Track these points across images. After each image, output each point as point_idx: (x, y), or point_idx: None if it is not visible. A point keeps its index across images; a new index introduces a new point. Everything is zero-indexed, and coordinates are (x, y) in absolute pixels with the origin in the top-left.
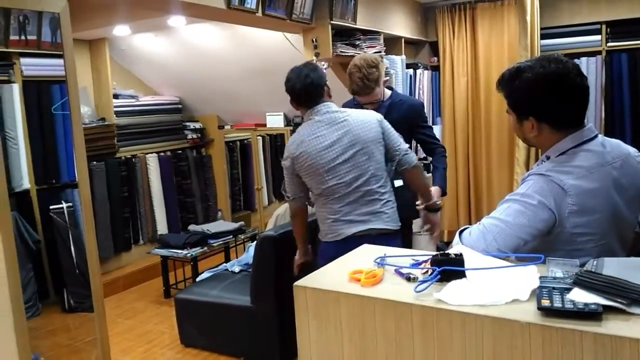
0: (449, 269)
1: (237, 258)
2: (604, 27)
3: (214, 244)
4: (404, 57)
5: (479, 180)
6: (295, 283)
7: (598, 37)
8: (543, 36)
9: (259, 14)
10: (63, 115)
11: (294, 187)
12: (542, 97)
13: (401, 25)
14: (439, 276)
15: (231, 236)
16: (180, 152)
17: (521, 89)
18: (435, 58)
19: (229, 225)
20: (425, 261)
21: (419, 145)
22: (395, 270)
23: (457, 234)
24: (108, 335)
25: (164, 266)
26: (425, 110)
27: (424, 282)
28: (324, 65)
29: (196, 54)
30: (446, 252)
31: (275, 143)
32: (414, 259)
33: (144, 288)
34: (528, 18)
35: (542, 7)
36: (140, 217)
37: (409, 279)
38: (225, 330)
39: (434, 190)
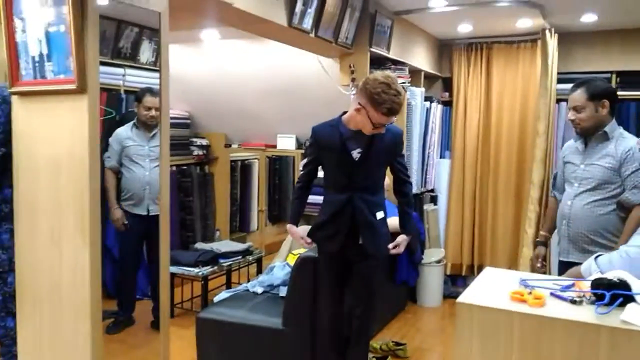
0: (621, 293)
1: (257, 278)
2: (614, 76)
3: (223, 264)
4: (423, 89)
5: (484, 217)
6: (459, 300)
7: None
8: (559, 81)
9: (312, 34)
10: None
11: None
12: None
13: (422, 59)
14: (621, 299)
15: (240, 257)
16: (185, 168)
17: None
18: (447, 93)
19: (237, 246)
20: (571, 285)
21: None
22: (552, 294)
23: (593, 260)
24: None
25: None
26: (435, 143)
27: (600, 304)
28: (353, 91)
29: (218, 69)
30: (605, 277)
31: (274, 166)
32: (555, 283)
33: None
34: (549, 61)
35: (559, 54)
36: None
37: (574, 301)
38: (251, 353)
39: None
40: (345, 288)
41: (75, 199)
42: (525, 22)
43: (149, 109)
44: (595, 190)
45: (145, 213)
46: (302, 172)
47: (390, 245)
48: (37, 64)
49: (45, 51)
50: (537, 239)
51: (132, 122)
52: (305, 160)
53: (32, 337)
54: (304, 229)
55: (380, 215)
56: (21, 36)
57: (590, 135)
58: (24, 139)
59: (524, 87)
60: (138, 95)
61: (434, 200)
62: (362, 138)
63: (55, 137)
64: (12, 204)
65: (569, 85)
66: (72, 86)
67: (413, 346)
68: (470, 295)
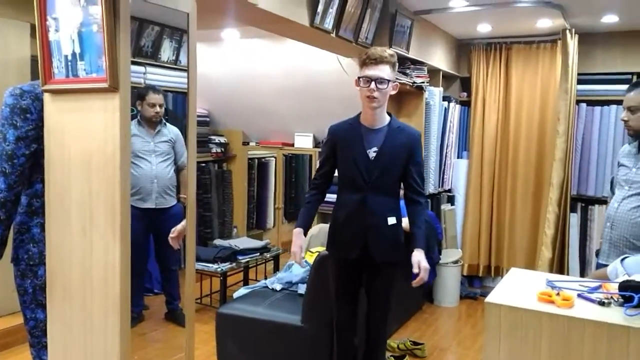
0: None
1: (275, 275)
2: (635, 77)
3: (241, 260)
4: (441, 89)
5: (502, 217)
6: (487, 300)
7: None
8: (579, 82)
9: (333, 34)
10: None
11: None
12: None
13: (440, 59)
14: None
15: (258, 254)
16: (203, 165)
17: None
18: (465, 93)
19: (255, 243)
20: (598, 287)
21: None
22: (579, 295)
23: (619, 262)
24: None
25: None
26: (453, 143)
27: (629, 306)
28: None
29: (237, 68)
30: (633, 279)
31: (290, 164)
32: (581, 285)
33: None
34: (570, 62)
35: (579, 54)
36: None
37: (602, 303)
38: (270, 349)
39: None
40: (362, 289)
41: (106, 195)
42: (545, 23)
43: (153, 105)
44: None
45: (153, 206)
46: (316, 174)
47: (415, 271)
48: (69, 63)
49: (77, 50)
50: (597, 248)
51: (135, 120)
52: (320, 160)
53: (62, 329)
54: (320, 228)
55: (392, 220)
56: (54, 35)
57: None
58: (56, 135)
59: (544, 88)
60: (141, 93)
61: (451, 200)
62: (379, 137)
63: (87, 134)
64: (43, 199)
65: (589, 87)
66: (104, 85)
67: (430, 345)
68: (498, 295)
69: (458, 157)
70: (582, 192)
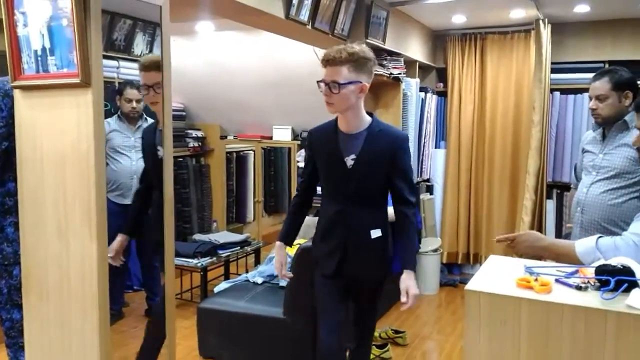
0: (625, 279)
1: (256, 269)
2: (606, 65)
3: (222, 255)
4: (418, 80)
5: (480, 205)
6: (467, 287)
7: None
8: (552, 70)
9: (309, 26)
10: None
11: None
12: None
13: (417, 50)
14: (625, 285)
15: (238, 247)
16: (181, 160)
17: None
18: (442, 84)
19: (235, 237)
20: (575, 272)
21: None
22: (557, 280)
23: (594, 245)
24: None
25: None
26: (430, 133)
27: (606, 290)
28: None
29: (212, 61)
30: (609, 263)
31: (269, 157)
32: (558, 270)
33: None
34: (544, 52)
35: (552, 44)
36: None
37: (579, 287)
38: (252, 343)
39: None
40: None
41: (81, 193)
42: (519, 13)
43: (130, 100)
44: (613, 179)
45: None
46: (302, 174)
47: (402, 300)
48: (39, 58)
49: (47, 45)
50: (565, 232)
51: (116, 115)
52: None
53: (39, 329)
54: (312, 221)
55: (375, 233)
56: (23, 30)
57: (610, 125)
58: (27, 132)
59: (518, 77)
60: (120, 88)
61: (430, 189)
62: (357, 143)
63: (60, 130)
64: (16, 197)
65: (563, 75)
66: (76, 80)
67: (412, 333)
68: (477, 282)
69: (436, 147)
70: (557, 179)
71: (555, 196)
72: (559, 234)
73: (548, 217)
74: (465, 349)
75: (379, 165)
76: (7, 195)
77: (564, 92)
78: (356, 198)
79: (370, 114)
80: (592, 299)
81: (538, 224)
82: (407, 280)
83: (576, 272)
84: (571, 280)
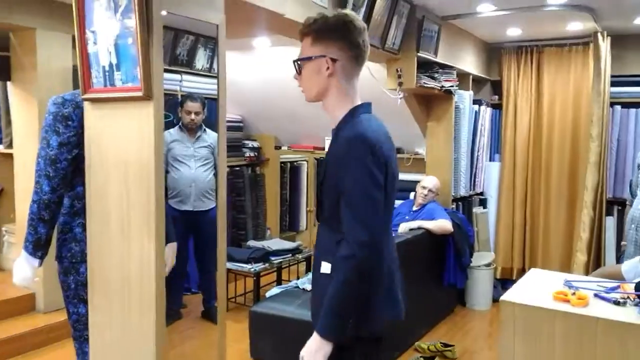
0: None
1: (306, 276)
2: None
3: (274, 261)
4: (471, 93)
5: (536, 221)
6: (502, 298)
7: None
8: (612, 84)
9: None
10: None
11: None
12: None
13: (470, 63)
14: None
15: (290, 255)
16: (237, 169)
17: None
18: (497, 96)
19: (287, 244)
20: (616, 287)
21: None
22: (596, 295)
23: (638, 261)
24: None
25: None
26: (484, 146)
27: None
28: (400, 95)
29: (268, 75)
30: None
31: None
32: (599, 285)
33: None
34: (602, 65)
35: (612, 57)
36: None
37: (617, 302)
38: (300, 347)
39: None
40: None
41: (142, 198)
42: (576, 26)
43: (189, 112)
44: None
45: (191, 209)
46: None
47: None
48: (107, 73)
49: (114, 61)
50: (622, 250)
51: (177, 126)
52: None
53: (102, 324)
54: None
55: (324, 267)
56: (92, 47)
57: None
58: (95, 141)
59: (576, 91)
60: (181, 100)
61: (483, 203)
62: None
63: (124, 139)
64: (84, 200)
65: (623, 89)
66: (139, 93)
67: (461, 348)
68: (514, 294)
69: (490, 160)
70: (619, 195)
71: (616, 212)
72: (619, 252)
73: (608, 234)
74: (500, 358)
75: (330, 176)
76: (76, 198)
77: (625, 105)
78: (323, 215)
79: (355, 108)
80: (629, 314)
81: (597, 240)
82: (308, 344)
83: (617, 287)
84: (610, 296)
